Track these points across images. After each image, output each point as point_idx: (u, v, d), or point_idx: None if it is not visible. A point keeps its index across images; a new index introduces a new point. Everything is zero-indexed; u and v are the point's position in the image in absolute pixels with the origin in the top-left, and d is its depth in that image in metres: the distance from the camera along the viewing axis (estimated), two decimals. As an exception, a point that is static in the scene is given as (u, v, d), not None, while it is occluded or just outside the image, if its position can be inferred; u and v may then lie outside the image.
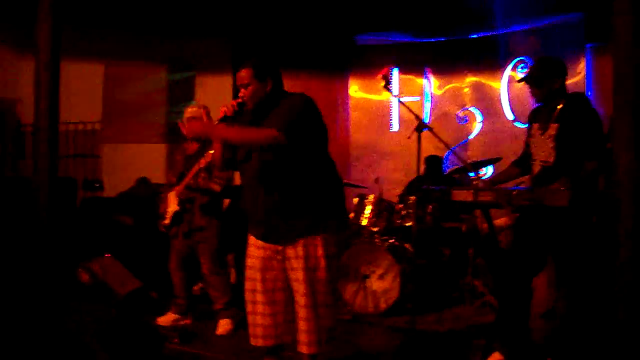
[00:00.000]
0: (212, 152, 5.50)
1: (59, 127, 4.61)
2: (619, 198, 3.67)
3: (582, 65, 8.47)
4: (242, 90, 4.25)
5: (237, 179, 5.90)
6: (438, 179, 7.94)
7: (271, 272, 4.37)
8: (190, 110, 6.13)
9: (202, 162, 5.82)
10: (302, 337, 4.29)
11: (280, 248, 4.31)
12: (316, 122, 4.28)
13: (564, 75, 4.71)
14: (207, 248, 6.00)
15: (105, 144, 10.55)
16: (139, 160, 10.00)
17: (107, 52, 10.32)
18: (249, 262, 4.43)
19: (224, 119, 4.20)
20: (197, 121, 4.38)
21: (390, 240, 6.97)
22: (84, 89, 10.24)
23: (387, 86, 4.44)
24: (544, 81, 4.68)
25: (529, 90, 4.81)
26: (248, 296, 4.44)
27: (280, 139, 4.03)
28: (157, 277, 6.83)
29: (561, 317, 4.75)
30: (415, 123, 4.50)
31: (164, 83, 10.46)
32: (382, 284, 6.63)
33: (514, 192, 4.29)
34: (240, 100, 4.23)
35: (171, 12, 9.26)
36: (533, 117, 4.88)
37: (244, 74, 4.24)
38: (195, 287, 7.03)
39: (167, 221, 6.07)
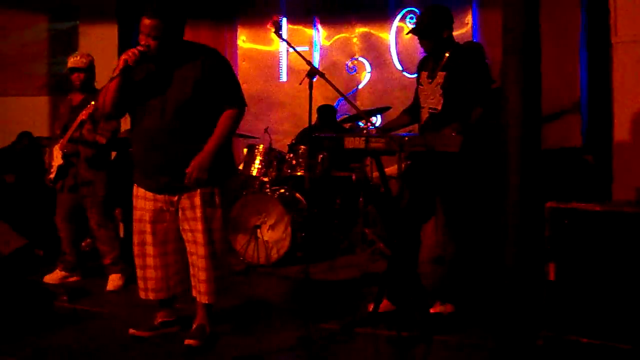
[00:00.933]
0: (93, 102, 5.38)
1: None
2: (506, 142, 3.75)
3: (469, 17, 8.60)
4: (147, 38, 4.09)
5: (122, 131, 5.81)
6: (330, 128, 7.94)
7: (162, 224, 4.31)
8: (72, 60, 5.93)
9: (84, 114, 5.64)
10: (202, 286, 4.27)
11: (174, 199, 4.25)
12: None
13: (451, 24, 4.76)
14: (94, 201, 5.86)
15: (-15, 97, 10.13)
16: (20, 114, 9.63)
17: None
18: (137, 214, 4.35)
19: (125, 70, 4.06)
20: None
21: (281, 190, 6.97)
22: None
23: (277, 32, 4.37)
24: (432, 32, 4.71)
25: (419, 41, 4.85)
26: (137, 249, 4.37)
27: (243, 112, 4.30)
28: (43, 234, 6.64)
29: (449, 262, 4.85)
30: (305, 73, 4.46)
31: (46, 33, 10.07)
32: (273, 234, 6.64)
33: (406, 139, 4.33)
34: (143, 49, 4.08)
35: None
36: (421, 66, 4.93)
37: (153, 24, 4.05)
38: (84, 243, 6.85)
39: (52, 175, 5.89)
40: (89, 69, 5.91)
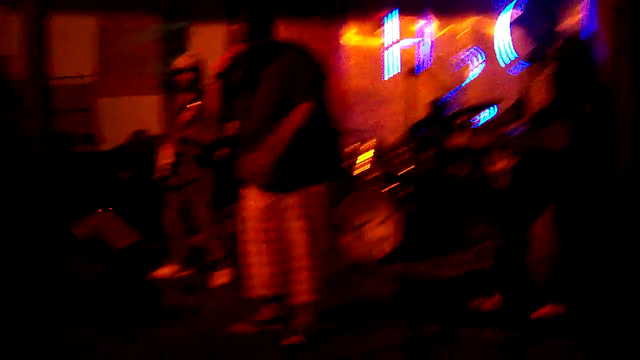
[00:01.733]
0: (197, 103, 5.49)
1: (52, 81, 4.53)
2: (617, 137, 3.60)
3: (582, 5, 8.31)
4: (236, 44, 4.15)
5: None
6: (440, 123, 7.82)
7: (268, 223, 4.34)
8: (177, 61, 6.05)
9: (188, 115, 5.74)
10: (304, 285, 4.29)
11: (278, 198, 4.26)
12: (322, 75, 4.31)
13: (557, 15, 4.58)
14: (202, 199, 5.94)
15: (100, 98, 10.44)
16: (134, 113, 9.89)
17: (99, 4, 10.16)
18: (243, 214, 4.39)
19: (220, 75, 4.16)
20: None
21: (390, 187, 6.89)
22: (77, 42, 10.12)
23: (378, 32, 4.34)
24: (536, 22, 4.57)
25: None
26: (243, 248, 4.41)
27: (314, 107, 4.13)
28: (156, 230, 6.78)
29: (560, 261, 4.69)
30: (413, 69, 4.41)
31: (158, 34, 10.32)
32: (381, 230, 6.57)
33: (512, 136, 4.21)
34: (232, 54, 4.14)
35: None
36: (531, 58, 4.78)
37: (238, 29, 4.13)
38: (194, 240, 6.97)
39: (159, 174, 6.00)
40: (193, 69, 5.99)
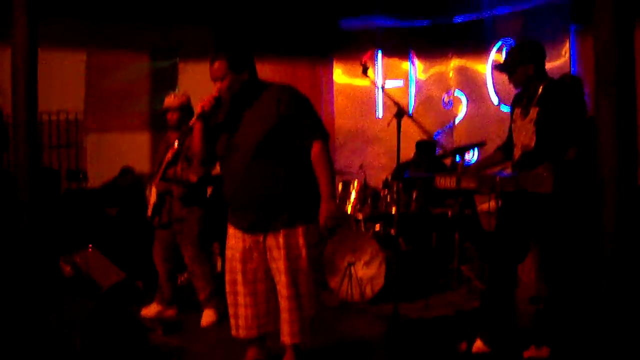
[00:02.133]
0: (176, 142, 5.55)
1: (40, 117, 4.55)
2: (602, 181, 3.63)
3: (567, 47, 8.43)
4: (218, 83, 4.19)
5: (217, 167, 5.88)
6: (427, 164, 7.88)
7: (252, 263, 4.33)
8: (167, 100, 6.08)
9: (169, 155, 5.81)
10: (285, 327, 4.28)
11: (261, 238, 4.27)
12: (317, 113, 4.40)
13: (538, 59, 4.63)
14: (188, 238, 5.93)
15: (89, 134, 10.46)
16: (123, 150, 9.92)
17: (89, 40, 10.20)
18: (229, 253, 4.40)
19: (202, 115, 4.19)
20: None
21: (376, 227, 6.92)
22: (66, 77, 10.14)
23: (365, 72, 4.38)
24: (516, 68, 4.63)
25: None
26: (229, 287, 4.41)
27: (327, 142, 4.25)
28: (143, 267, 6.76)
29: (545, 302, 4.72)
30: (401, 108, 4.46)
31: (147, 71, 10.36)
32: (367, 271, 6.58)
33: (497, 179, 4.25)
34: (216, 94, 4.19)
35: (153, -1, 9.19)
36: (515, 102, 4.84)
37: (217, 66, 4.18)
38: (181, 278, 6.97)
39: (149, 212, 6.01)
40: (182, 109, 6.02)
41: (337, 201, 4.17)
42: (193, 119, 4.24)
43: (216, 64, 4.17)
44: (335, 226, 4.19)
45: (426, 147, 8.15)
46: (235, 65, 4.17)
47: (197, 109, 4.20)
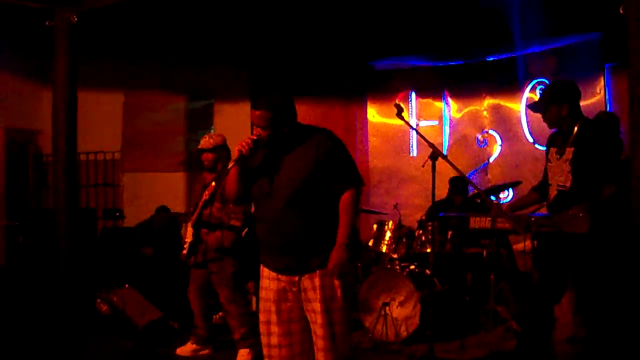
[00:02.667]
0: (213, 184, 5.59)
1: (79, 157, 4.62)
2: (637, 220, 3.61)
3: (601, 85, 8.40)
4: (258, 129, 4.21)
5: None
6: (462, 202, 7.85)
7: (286, 304, 4.32)
8: (202, 141, 6.14)
9: (206, 194, 5.87)
10: None
11: (295, 279, 4.26)
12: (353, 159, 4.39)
13: (572, 99, 4.63)
14: (223, 278, 5.96)
15: (126, 173, 10.60)
16: (159, 189, 10.03)
17: (126, 81, 10.41)
18: (263, 294, 4.39)
19: (240, 159, 4.19)
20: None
21: (411, 267, 6.90)
22: (104, 118, 10.35)
23: (399, 115, 4.40)
24: (549, 107, 4.62)
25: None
26: (263, 328, 4.39)
27: (361, 190, 4.25)
28: (179, 307, 6.79)
29: (582, 343, 4.66)
30: (435, 147, 4.48)
31: (183, 111, 10.51)
32: (402, 311, 6.56)
33: (532, 219, 4.24)
34: (255, 137, 4.20)
35: (189, 41, 9.31)
36: (551, 142, 4.83)
37: (260, 115, 4.17)
38: (216, 317, 6.99)
39: (185, 251, 6.06)
40: (215, 150, 6.08)
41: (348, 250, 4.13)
42: (231, 162, 4.26)
43: (259, 113, 4.17)
44: (342, 275, 4.18)
45: (459, 183, 8.10)
46: (279, 120, 4.20)
47: (235, 152, 4.22)
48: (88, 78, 6.79)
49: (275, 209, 4.22)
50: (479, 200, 7.87)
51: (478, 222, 4.40)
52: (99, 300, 6.77)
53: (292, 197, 4.16)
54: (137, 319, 6.63)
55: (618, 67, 8.32)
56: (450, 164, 4.26)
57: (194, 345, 6.19)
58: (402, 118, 4.46)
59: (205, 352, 6.17)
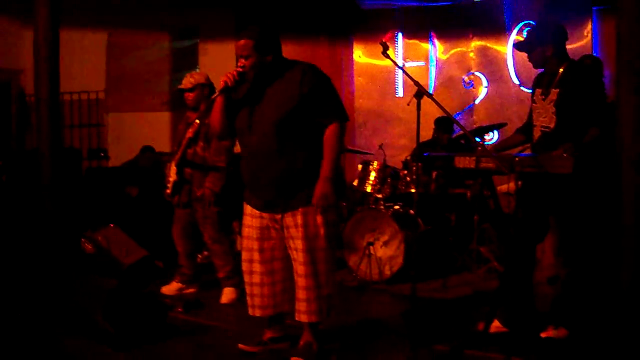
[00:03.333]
0: (197, 121, 5.57)
1: (62, 97, 4.57)
2: (621, 163, 3.63)
3: (589, 28, 8.39)
4: (242, 60, 4.19)
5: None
6: (447, 143, 7.86)
7: (269, 242, 4.34)
8: (183, 81, 6.09)
9: (190, 132, 5.83)
10: (302, 306, 4.28)
11: (278, 217, 4.27)
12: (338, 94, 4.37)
13: (558, 40, 4.58)
14: (207, 217, 5.95)
15: (110, 113, 10.55)
16: (143, 129, 10.00)
17: (110, 21, 10.27)
18: (246, 231, 4.40)
19: (225, 90, 4.20)
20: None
21: (395, 207, 6.92)
22: (87, 58, 10.28)
23: (385, 53, 4.36)
24: (535, 47, 4.59)
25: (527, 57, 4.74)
26: (245, 266, 4.42)
27: (345, 125, 4.26)
28: (164, 246, 6.81)
29: (563, 284, 4.72)
30: (421, 88, 4.44)
31: (168, 51, 10.41)
32: (386, 250, 6.60)
33: (517, 159, 4.24)
34: (240, 70, 4.18)
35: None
36: (536, 83, 4.80)
37: (244, 44, 4.16)
38: (201, 256, 7.02)
39: (168, 191, 6.05)
40: (196, 88, 6.01)
41: (332, 185, 4.13)
42: (216, 92, 4.25)
43: (242, 42, 4.15)
44: (326, 208, 4.18)
45: (444, 123, 8.09)
46: (262, 48, 4.16)
47: (220, 83, 4.20)
48: (71, 16, 6.71)
49: (258, 143, 4.21)
50: (464, 142, 7.87)
51: (463, 161, 4.40)
52: (83, 240, 6.77)
53: (275, 130, 4.14)
54: (122, 258, 6.63)
55: (606, 10, 8.29)
56: (436, 102, 4.24)
57: (179, 284, 6.21)
58: (387, 56, 4.42)
59: (190, 290, 6.20)
